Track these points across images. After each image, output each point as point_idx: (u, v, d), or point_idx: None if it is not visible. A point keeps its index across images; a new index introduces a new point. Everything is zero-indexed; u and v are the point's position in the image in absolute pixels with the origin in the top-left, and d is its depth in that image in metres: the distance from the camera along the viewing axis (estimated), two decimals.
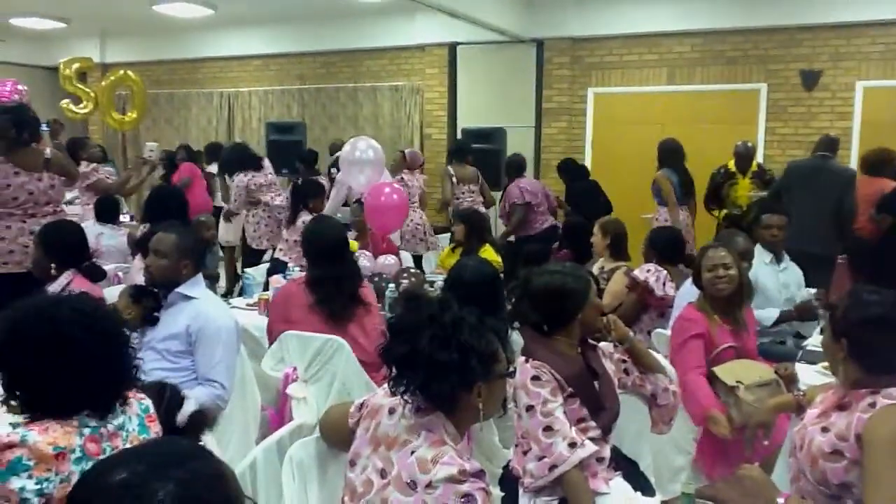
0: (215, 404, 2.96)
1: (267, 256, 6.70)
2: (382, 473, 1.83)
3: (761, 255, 4.52)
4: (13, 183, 4.45)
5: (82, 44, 11.10)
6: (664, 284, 4.24)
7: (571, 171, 7.70)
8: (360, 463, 1.91)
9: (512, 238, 7.03)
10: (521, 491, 2.43)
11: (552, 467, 2.30)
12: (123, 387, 1.84)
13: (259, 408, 3.38)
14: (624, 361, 2.72)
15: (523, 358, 2.47)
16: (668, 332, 3.64)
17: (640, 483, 2.58)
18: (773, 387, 3.01)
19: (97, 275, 3.68)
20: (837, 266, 5.96)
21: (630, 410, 2.71)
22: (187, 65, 11.43)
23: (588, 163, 8.93)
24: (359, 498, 1.86)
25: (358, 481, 1.89)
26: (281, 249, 5.73)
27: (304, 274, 3.85)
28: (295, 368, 3.47)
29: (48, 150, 4.77)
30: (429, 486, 1.71)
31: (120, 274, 4.98)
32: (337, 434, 2.14)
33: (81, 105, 9.41)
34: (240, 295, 5.46)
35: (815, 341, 3.86)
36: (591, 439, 2.40)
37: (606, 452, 2.48)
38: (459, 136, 9.04)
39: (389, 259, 5.01)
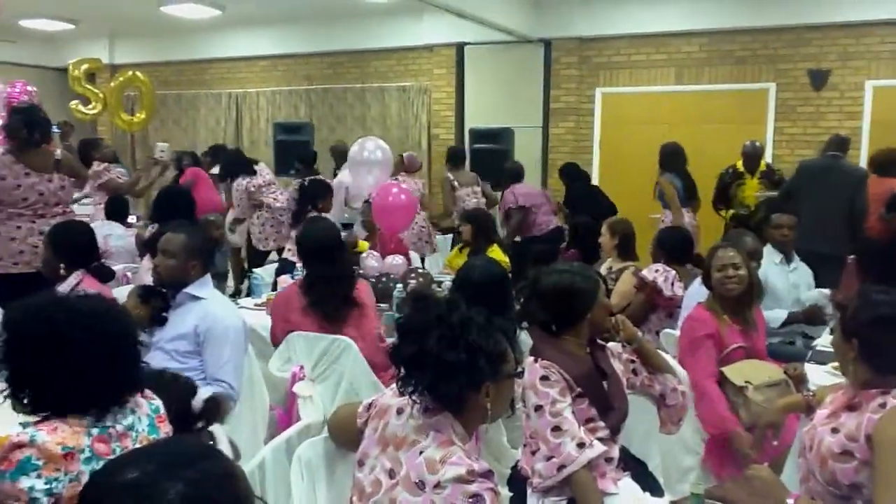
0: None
1: (272, 257, 6.73)
2: (391, 474, 1.83)
3: (771, 256, 4.50)
4: (24, 183, 4.48)
5: (91, 45, 11.14)
6: (672, 284, 4.23)
7: (572, 174, 7.70)
8: (369, 463, 1.92)
9: (518, 238, 7.03)
10: (529, 491, 2.43)
11: (561, 467, 2.30)
12: (125, 388, 1.84)
13: (267, 407, 3.38)
14: (632, 361, 2.71)
15: (532, 358, 2.46)
16: (677, 332, 3.63)
17: (649, 483, 2.57)
18: (783, 387, 3.00)
19: (106, 275, 3.69)
20: (847, 266, 5.93)
21: (638, 411, 2.70)
22: (195, 66, 11.46)
23: (596, 163, 8.93)
24: (367, 498, 1.86)
25: (366, 481, 1.89)
26: (290, 250, 5.74)
27: None
28: (302, 367, 3.47)
29: (58, 151, 4.80)
30: (437, 486, 1.71)
31: (129, 274, 5.00)
32: (345, 434, 2.15)
33: (90, 106, 9.45)
34: (248, 295, 5.47)
35: (824, 341, 3.85)
36: (600, 439, 2.39)
37: (615, 453, 2.47)
38: (467, 136, 9.06)
39: (397, 259, 5.01)
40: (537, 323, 2.56)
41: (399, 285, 4.52)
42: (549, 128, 9.11)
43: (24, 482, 1.63)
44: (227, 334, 3.06)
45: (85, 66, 9.33)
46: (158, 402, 1.94)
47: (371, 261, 4.96)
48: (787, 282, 4.50)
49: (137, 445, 1.79)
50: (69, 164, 4.73)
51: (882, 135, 7.21)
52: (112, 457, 1.69)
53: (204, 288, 3.15)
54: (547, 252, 5.40)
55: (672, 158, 6.64)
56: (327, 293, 3.57)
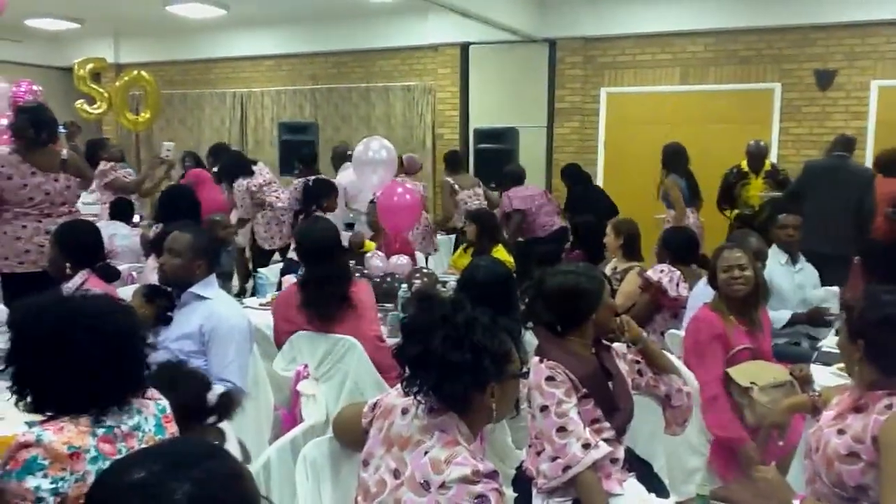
0: None
1: (276, 258, 6.75)
2: (396, 474, 1.83)
3: (777, 256, 4.50)
4: (30, 183, 4.48)
5: (96, 44, 11.16)
6: (677, 285, 4.22)
7: (574, 176, 7.70)
8: (374, 463, 1.92)
9: (521, 239, 7.03)
10: (534, 492, 2.43)
11: (566, 468, 2.30)
12: (128, 389, 1.84)
13: (272, 408, 3.39)
14: (637, 362, 2.71)
15: (537, 358, 2.46)
16: (682, 332, 3.63)
17: (654, 484, 2.57)
18: (788, 388, 2.99)
19: (111, 275, 3.70)
20: (853, 267, 5.92)
21: (644, 411, 2.70)
22: (200, 65, 11.48)
23: (601, 163, 8.92)
24: (372, 498, 1.86)
25: (371, 481, 1.89)
26: (294, 249, 5.75)
27: None
28: (306, 366, 3.48)
29: (65, 151, 4.81)
30: (442, 486, 1.71)
31: (134, 274, 5.01)
32: (350, 434, 2.15)
33: (95, 105, 9.46)
34: (252, 295, 5.48)
35: (830, 342, 3.84)
36: (605, 440, 2.39)
37: (620, 453, 2.47)
38: (471, 136, 9.05)
39: (402, 259, 5.01)
40: (542, 323, 2.56)
41: (404, 285, 4.52)
42: (553, 128, 9.10)
43: (31, 481, 1.64)
44: (232, 334, 3.06)
45: (90, 66, 9.34)
46: (165, 403, 1.94)
47: (376, 260, 4.96)
48: (793, 282, 4.49)
49: (143, 445, 1.80)
50: (75, 163, 4.74)
51: (887, 135, 7.19)
52: (118, 457, 1.69)
53: (209, 288, 3.15)
54: (551, 252, 5.39)
55: (674, 158, 6.64)
56: (320, 293, 3.56)
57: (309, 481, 2.14)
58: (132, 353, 1.85)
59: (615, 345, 2.67)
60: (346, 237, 5.96)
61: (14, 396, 1.80)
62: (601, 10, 8.55)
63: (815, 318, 4.29)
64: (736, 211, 6.81)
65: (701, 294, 3.75)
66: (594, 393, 2.43)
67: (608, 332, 2.62)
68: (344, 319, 3.54)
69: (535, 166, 8.82)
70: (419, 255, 6.21)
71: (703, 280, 3.81)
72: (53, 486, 1.65)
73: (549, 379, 2.38)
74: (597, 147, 8.97)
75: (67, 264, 3.55)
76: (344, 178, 6.78)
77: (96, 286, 3.30)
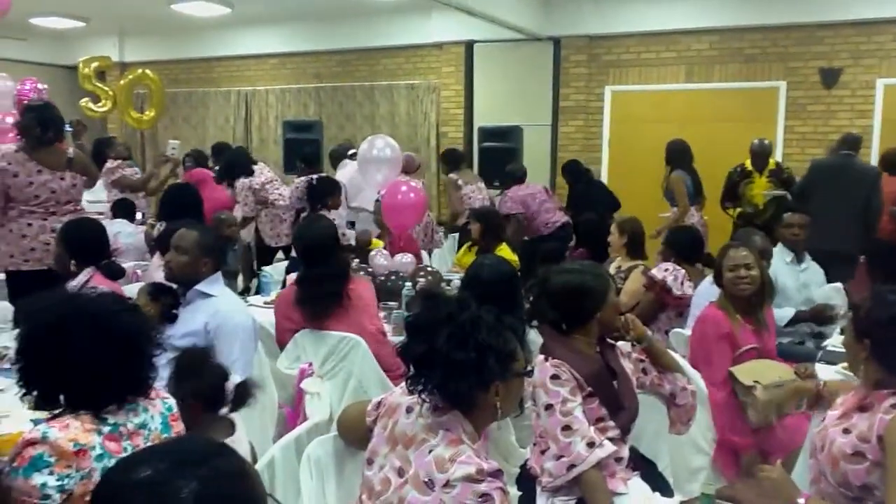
0: None
1: (279, 255, 6.76)
2: (400, 472, 1.83)
3: (782, 255, 4.49)
4: (36, 181, 4.50)
5: (101, 43, 11.17)
6: (682, 283, 4.21)
7: (574, 172, 7.69)
8: (378, 461, 1.92)
9: (526, 237, 7.02)
10: (538, 490, 2.43)
11: (570, 467, 2.30)
12: (131, 389, 1.84)
13: (276, 406, 3.39)
14: (642, 361, 2.70)
15: (542, 356, 2.46)
16: (686, 331, 3.62)
17: (658, 483, 2.57)
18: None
19: (116, 273, 3.71)
20: (859, 265, 5.91)
21: (648, 410, 2.69)
22: (204, 63, 11.49)
23: (605, 161, 8.91)
24: (376, 496, 1.86)
25: (375, 480, 1.89)
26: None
27: None
28: (310, 364, 3.48)
29: (71, 150, 4.82)
30: (446, 485, 1.71)
31: (139, 272, 5.02)
32: (354, 432, 2.15)
33: (100, 104, 9.47)
34: (257, 293, 5.48)
35: (834, 341, 3.83)
36: (610, 439, 2.39)
37: (625, 452, 2.47)
38: (476, 134, 9.04)
39: (406, 257, 5.01)
40: (547, 322, 2.56)
41: (408, 283, 4.52)
42: (558, 126, 9.09)
43: (37, 478, 1.65)
44: (237, 332, 3.07)
45: (95, 64, 9.35)
46: (172, 402, 1.95)
47: (380, 259, 4.96)
48: (798, 281, 4.48)
49: (149, 444, 1.80)
50: (81, 162, 4.75)
51: (893, 133, 7.18)
52: (123, 455, 1.69)
53: (214, 285, 3.15)
54: (555, 251, 5.38)
55: (679, 156, 6.63)
56: (316, 290, 3.56)
57: (313, 479, 2.15)
58: (138, 353, 1.85)
59: (619, 343, 2.67)
60: (350, 235, 5.98)
61: (21, 392, 1.81)
62: (606, 8, 8.54)
63: (819, 316, 4.28)
64: (739, 210, 6.79)
65: (705, 293, 3.75)
66: (599, 391, 2.43)
67: (613, 330, 2.61)
68: (341, 316, 3.53)
69: (540, 165, 8.81)
70: (424, 254, 6.22)
71: (708, 279, 3.81)
72: (59, 483, 1.65)
73: (554, 377, 2.38)
74: (601, 145, 8.96)
75: (72, 261, 3.56)
76: (342, 176, 6.78)
77: (101, 284, 3.31)
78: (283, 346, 3.60)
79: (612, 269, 4.56)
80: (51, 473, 1.65)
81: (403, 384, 1.96)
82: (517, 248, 5.97)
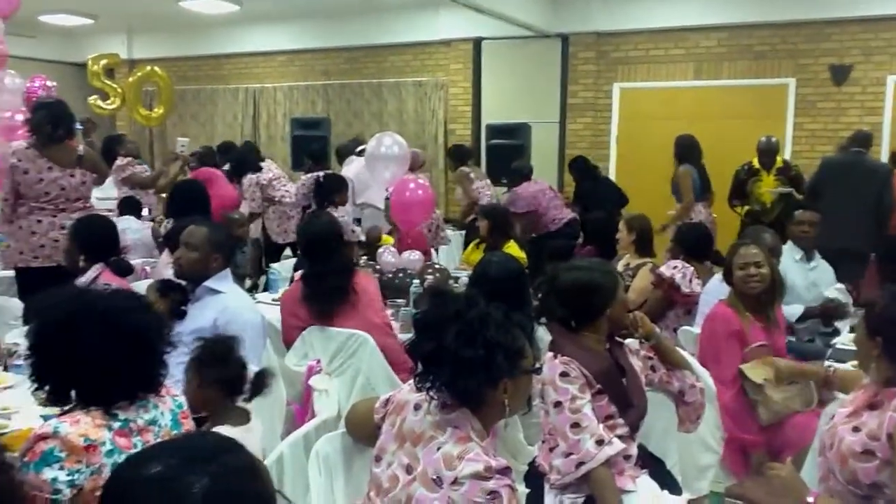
0: None
1: (287, 252, 6.77)
2: (408, 469, 1.83)
3: (791, 252, 4.47)
4: (46, 178, 4.51)
5: (110, 40, 11.21)
6: (690, 281, 4.20)
7: (581, 169, 7.67)
8: (386, 458, 1.92)
9: (534, 234, 7.01)
10: (546, 488, 2.43)
11: (579, 464, 2.30)
12: (141, 385, 1.84)
13: (284, 403, 3.39)
14: (650, 358, 2.70)
15: (551, 354, 2.46)
16: (695, 329, 3.61)
17: (667, 481, 2.56)
18: (802, 385, 2.98)
19: (125, 269, 3.72)
20: (870, 264, 5.88)
21: (657, 408, 2.69)
22: (213, 61, 11.51)
23: (613, 158, 8.89)
24: (384, 493, 1.86)
25: (384, 476, 1.89)
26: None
27: None
28: (319, 361, 3.48)
29: (81, 147, 4.83)
30: (455, 482, 1.71)
31: (147, 268, 5.03)
32: (363, 429, 2.15)
33: (109, 101, 9.51)
34: (265, 290, 5.49)
35: (844, 339, 3.82)
36: (619, 437, 2.38)
37: (633, 450, 2.47)
38: (483, 131, 9.03)
39: (414, 255, 5.01)
40: (556, 319, 2.56)
41: (416, 281, 4.52)
42: (566, 123, 9.07)
43: (48, 473, 1.65)
44: (246, 329, 3.06)
45: (103, 62, 9.39)
46: (182, 399, 1.96)
47: (388, 256, 4.96)
48: (807, 279, 4.46)
49: (159, 440, 1.81)
50: (91, 159, 4.77)
51: None
52: (133, 451, 1.70)
53: (223, 282, 3.16)
54: (563, 248, 5.38)
55: (688, 151, 6.61)
56: (321, 287, 3.56)
57: (321, 476, 2.15)
58: (148, 350, 1.85)
59: (628, 341, 2.66)
60: (359, 231, 5.99)
61: (33, 388, 1.83)
62: (614, 5, 8.52)
63: (828, 312, 4.26)
64: (747, 207, 6.77)
65: (714, 290, 3.73)
66: (608, 389, 2.43)
67: (621, 328, 2.61)
68: (347, 311, 3.53)
69: (548, 162, 8.80)
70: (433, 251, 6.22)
71: (717, 276, 3.79)
72: (70, 478, 1.66)
73: (563, 375, 2.37)
74: (609, 143, 8.94)
75: (81, 258, 3.57)
76: (349, 172, 6.78)
77: (110, 280, 3.32)
78: (290, 345, 3.60)
79: (620, 267, 4.55)
80: (61, 468, 1.66)
81: (412, 381, 1.96)
82: (525, 245, 5.96)
